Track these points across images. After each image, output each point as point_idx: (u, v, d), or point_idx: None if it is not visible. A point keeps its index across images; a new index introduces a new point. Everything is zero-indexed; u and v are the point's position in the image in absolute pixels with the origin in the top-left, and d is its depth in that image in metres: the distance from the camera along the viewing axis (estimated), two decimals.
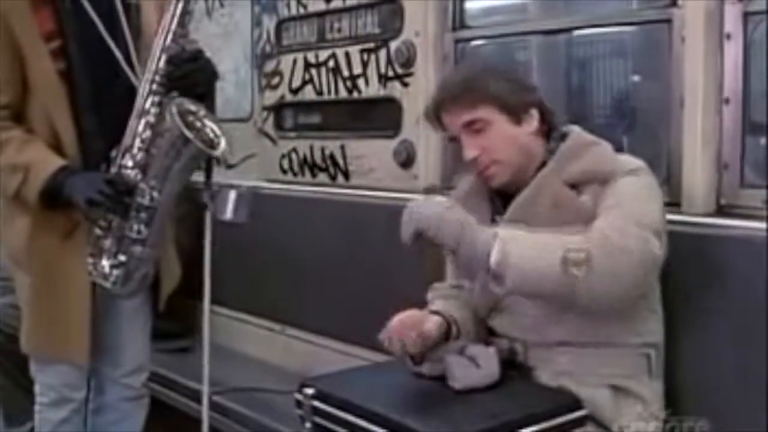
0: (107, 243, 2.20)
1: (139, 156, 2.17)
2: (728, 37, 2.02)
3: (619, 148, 1.98)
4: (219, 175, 2.35)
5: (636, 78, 2.46)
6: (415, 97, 2.74)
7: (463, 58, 2.67)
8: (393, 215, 2.73)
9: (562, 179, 1.89)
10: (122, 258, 2.20)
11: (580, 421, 1.79)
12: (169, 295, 2.44)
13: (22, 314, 2.36)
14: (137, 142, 2.17)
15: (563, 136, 1.96)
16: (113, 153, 2.19)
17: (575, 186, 1.88)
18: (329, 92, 3.07)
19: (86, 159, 2.23)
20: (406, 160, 2.77)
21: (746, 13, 2.00)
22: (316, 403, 1.87)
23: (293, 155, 3.23)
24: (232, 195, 2.29)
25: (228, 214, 2.29)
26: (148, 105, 2.17)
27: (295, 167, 3.22)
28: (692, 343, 1.94)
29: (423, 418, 1.73)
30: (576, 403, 1.80)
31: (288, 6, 3.22)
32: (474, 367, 1.85)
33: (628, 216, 1.78)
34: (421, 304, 2.05)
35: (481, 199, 2.02)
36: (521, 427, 1.71)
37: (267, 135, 3.34)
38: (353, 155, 2.99)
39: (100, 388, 2.46)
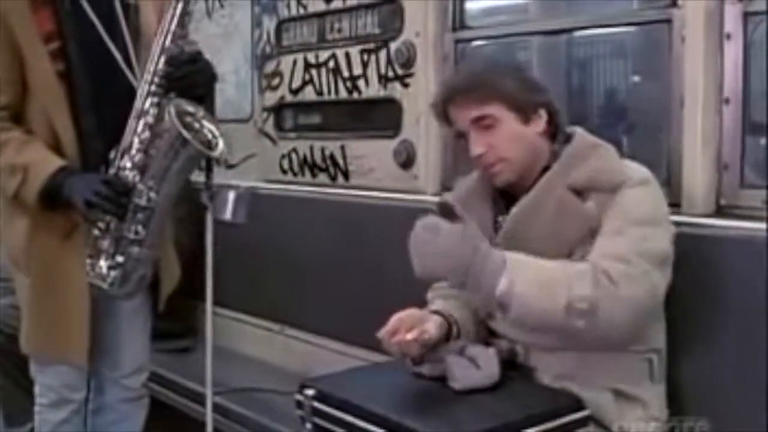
0: (105, 244, 2.20)
1: (138, 157, 2.16)
2: (728, 37, 2.02)
3: (619, 149, 1.98)
4: (219, 176, 2.35)
5: (636, 78, 2.46)
6: (415, 97, 2.74)
7: (464, 58, 2.67)
8: (393, 215, 2.75)
9: (567, 184, 1.87)
10: (120, 259, 2.19)
11: (582, 422, 1.79)
12: (168, 296, 2.44)
13: (21, 315, 2.36)
14: (136, 143, 2.17)
15: (567, 138, 1.95)
16: (112, 154, 2.19)
17: (580, 192, 1.86)
18: (329, 93, 3.07)
19: (85, 159, 2.22)
20: (406, 160, 2.77)
21: (746, 13, 2.00)
22: (317, 404, 1.87)
23: (293, 155, 3.23)
24: (231, 195, 2.29)
25: (227, 214, 2.29)
26: (147, 106, 2.17)
27: (295, 167, 3.22)
28: (692, 343, 1.94)
29: (423, 419, 1.73)
30: (578, 404, 1.80)
31: (288, 6, 3.22)
32: (474, 367, 1.85)
33: (636, 246, 1.76)
34: (421, 304, 2.05)
35: (484, 199, 2.00)
36: (522, 428, 1.70)
37: (267, 135, 3.34)
38: (353, 155, 2.99)
39: (100, 389, 2.46)
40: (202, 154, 2.16)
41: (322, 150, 3.10)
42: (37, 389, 2.41)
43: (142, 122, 2.17)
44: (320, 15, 3.10)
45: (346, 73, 2.99)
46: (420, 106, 2.72)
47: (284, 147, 3.27)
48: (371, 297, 2.65)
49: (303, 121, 3.28)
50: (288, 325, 3.20)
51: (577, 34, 2.47)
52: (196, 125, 2.17)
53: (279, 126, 3.32)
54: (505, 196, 1.98)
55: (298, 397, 1.91)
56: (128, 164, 2.16)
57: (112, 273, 2.21)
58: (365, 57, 2.91)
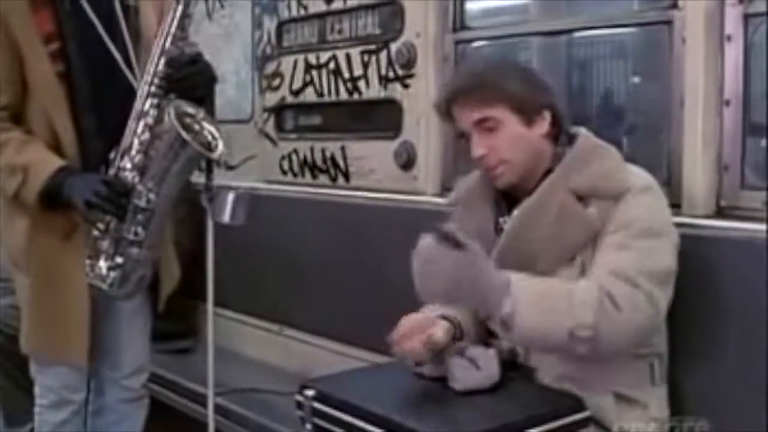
0: (105, 245, 2.20)
1: (138, 158, 2.16)
2: (729, 38, 2.02)
3: (619, 149, 1.98)
4: (219, 177, 2.35)
5: (636, 79, 2.46)
6: (416, 98, 2.74)
7: (464, 59, 2.67)
8: (393, 216, 2.75)
9: (569, 188, 1.86)
10: (119, 260, 2.19)
11: (583, 423, 1.79)
12: (169, 296, 2.44)
13: (21, 315, 2.36)
14: (136, 144, 2.16)
15: (571, 140, 1.93)
16: (112, 155, 2.19)
17: (582, 197, 1.85)
18: (330, 94, 3.07)
19: (85, 160, 2.22)
20: (407, 161, 2.77)
21: (746, 15, 2.00)
22: (317, 405, 1.87)
23: (294, 156, 3.23)
24: (230, 197, 2.29)
25: (225, 216, 2.29)
26: (146, 107, 2.17)
27: (296, 168, 3.22)
28: (693, 344, 1.94)
29: (424, 420, 1.73)
30: (578, 405, 1.79)
31: (288, 7, 3.22)
32: (474, 368, 1.85)
33: (641, 264, 1.76)
34: (421, 304, 2.05)
35: (485, 200, 2.00)
36: (523, 429, 1.70)
37: (267, 136, 3.34)
38: (354, 156, 2.99)
39: (100, 390, 2.46)
40: (201, 155, 2.16)
41: (323, 151, 3.10)
42: (37, 390, 2.41)
43: (142, 123, 2.17)
44: (321, 16, 3.10)
45: (346, 74, 2.99)
46: (420, 107, 2.73)
47: (285, 148, 3.27)
48: (371, 298, 2.66)
49: (303, 122, 3.28)
50: (288, 325, 3.20)
51: (578, 35, 2.47)
52: (196, 127, 2.17)
53: (279, 127, 3.32)
54: (506, 197, 1.98)
55: (299, 397, 1.91)
56: (128, 165, 2.16)
57: (112, 274, 2.20)
58: (366, 58, 2.91)
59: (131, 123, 2.17)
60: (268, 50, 3.32)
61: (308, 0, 3.14)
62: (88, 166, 2.22)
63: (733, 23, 2.01)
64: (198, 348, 3.33)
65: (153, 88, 2.17)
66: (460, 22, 2.69)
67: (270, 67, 3.32)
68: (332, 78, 3.05)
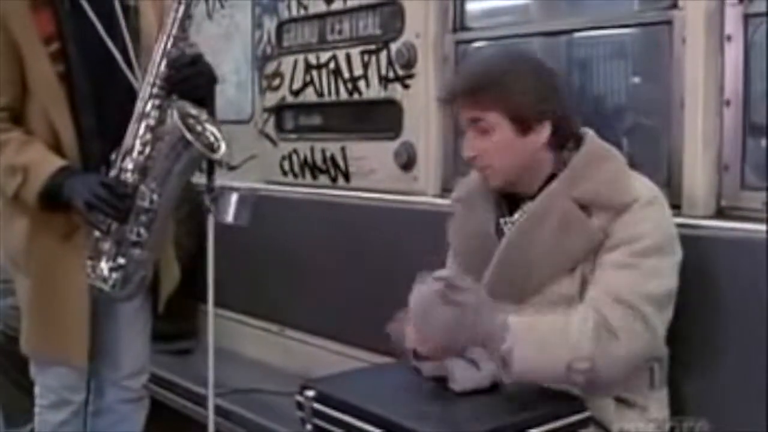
0: (106, 246, 2.20)
1: (139, 159, 2.17)
2: (729, 38, 2.02)
3: (619, 150, 1.97)
4: (220, 177, 2.35)
5: (636, 79, 2.45)
6: (416, 98, 2.74)
7: (464, 59, 2.67)
8: (393, 217, 2.75)
9: (573, 197, 1.83)
10: (121, 261, 2.20)
11: (583, 424, 1.79)
12: (169, 297, 2.44)
13: (21, 316, 2.36)
14: (137, 145, 2.17)
15: (578, 142, 1.90)
16: (113, 156, 2.19)
17: (585, 206, 1.83)
18: (330, 94, 3.07)
19: (86, 160, 2.22)
20: (407, 162, 2.76)
21: (746, 15, 2.00)
22: (317, 405, 1.86)
23: (294, 157, 3.23)
24: (234, 198, 2.29)
25: (229, 216, 2.29)
26: (148, 108, 2.17)
27: (296, 169, 3.22)
28: (693, 344, 1.94)
29: (423, 421, 1.73)
30: (579, 406, 1.79)
31: (289, 7, 3.22)
32: (474, 369, 1.84)
33: (641, 287, 1.76)
34: None
35: (486, 200, 1.99)
36: (522, 430, 1.70)
37: (267, 137, 3.34)
38: (354, 157, 2.99)
39: (100, 390, 2.46)
40: (204, 156, 2.17)
41: (323, 151, 3.10)
42: (37, 390, 2.41)
43: (143, 125, 2.17)
44: (321, 16, 3.10)
45: (346, 74, 2.99)
46: (421, 108, 2.73)
47: (285, 148, 3.27)
48: (372, 298, 2.65)
49: (303, 123, 3.28)
50: (288, 326, 3.20)
51: (578, 35, 2.47)
52: (199, 128, 2.17)
53: (279, 127, 3.32)
54: (507, 197, 1.96)
55: (299, 398, 1.90)
56: (130, 166, 2.17)
57: (114, 275, 2.21)
58: (366, 58, 2.91)
59: (133, 124, 2.18)
60: (268, 50, 3.32)
61: (308, 0, 3.14)
62: (89, 166, 2.22)
63: (733, 23, 2.01)
64: (198, 349, 3.33)
65: (155, 90, 2.17)
66: (460, 23, 2.69)
67: (270, 68, 3.32)
68: (332, 78, 3.05)
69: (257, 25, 3.37)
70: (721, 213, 2.05)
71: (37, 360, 2.39)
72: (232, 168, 3.32)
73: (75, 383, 2.36)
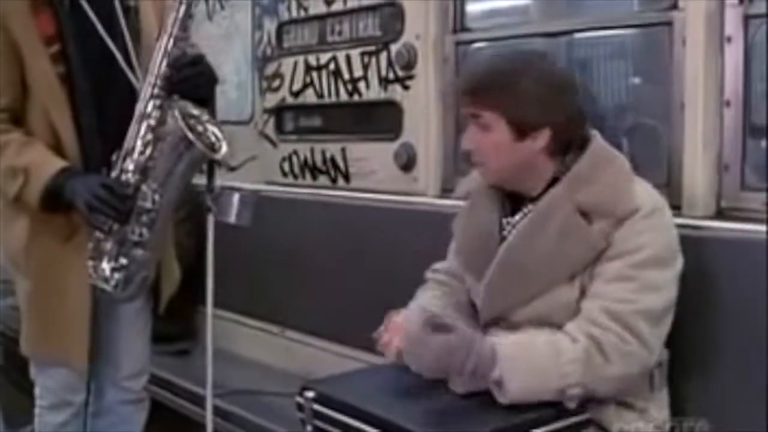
0: (108, 246, 2.20)
1: (141, 159, 2.16)
2: (729, 39, 2.02)
3: (619, 150, 1.98)
4: (219, 178, 2.35)
5: (637, 80, 2.45)
6: (416, 99, 2.75)
7: (464, 60, 2.67)
8: (393, 218, 2.74)
9: (575, 203, 1.82)
10: (123, 261, 2.19)
11: (583, 425, 1.79)
12: (169, 298, 2.44)
13: (21, 316, 2.36)
14: (138, 146, 2.16)
15: (583, 145, 1.89)
16: (114, 156, 2.19)
17: (587, 213, 1.82)
18: (330, 95, 3.07)
19: (87, 161, 2.22)
20: (407, 163, 2.77)
21: (747, 16, 2.00)
22: (317, 406, 1.86)
23: (294, 158, 3.23)
24: (236, 198, 2.29)
25: (231, 217, 2.29)
26: (149, 108, 2.17)
27: (296, 170, 3.22)
28: (693, 345, 1.94)
29: (425, 422, 1.73)
30: (579, 407, 1.79)
31: (289, 9, 3.22)
32: None
33: (638, 303, 1.75)
34: None
35: (490, 198, 1.98)
36: (524, 431, 1.71)
37: (268, 138, 3.34)
38: (354, 158, 2.99)
39: (100, 392, 2.46)
40: (205, 156, 2.17)
41: (323, 152, 3.10)
42: (37, 391, 2.41)
43: (144, 125, 2.17)
44: (321, 17, 3.10)
45: (346, 76, 2.99)
46: (421, 109, 2.73)
47: (285, 149, 3.27)
48: (372, 299, 2.64)
49: (303, 124, 3.28)
50: (288, 327, 3.19)
51: (578, 36, 2.47)
52: (200, 128, 2.17)
53: (279, 128, 3.32)
54: (511, 197, 1.96)
55: (299, 399, 1.90)
56: (131, 167, 2.16)
57: (116, 275, 2.20)
58: (366, 59, 2.91)
59: (134, 125, 2.17)
60: (269, 51, 3.32)
61: (308, 1, 3.14)
62: (90, 167, 2.22)
63: (733, 24, 2.01)
64: (198, 349, 3.32)
65: (156, 90, 2.17)
66: (460, 24, 2.69)
67: (270, 69, 3.32)
68: (332, 79, 3.05)
69: (257, 26, 3.37)
70: (721, 214, 2.05)
71: (37, 361, 2.39)
72: (232, 169, 3.32)
73: (75, 384, 2.35)
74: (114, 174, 2.18)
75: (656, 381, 1.88)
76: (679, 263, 1.83)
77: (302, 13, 3.18)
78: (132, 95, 2.21)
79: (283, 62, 3.26)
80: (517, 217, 1.93)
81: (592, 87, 2.48)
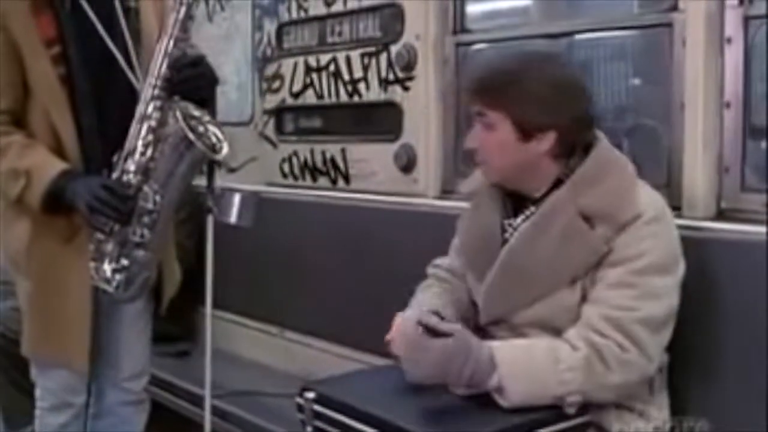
0: (109, 247, 2.20)
1: (142, 160, 2.16)
2: (729, 40, 2.02)
3: (619, 150, 1.98)
4: (219, 179, 2.35)
5: (637, 81, 2.46)
6: (416, 100, 2.75)
7: (465, 61, 2.67)
8: (393, 219, 2.74)
9: (578, 206, 1.82)
10: (125, 262, 2.19)
11: (583, 427, 1.79)
12: (170, 299, 2.44)
13: (22, 318, 2.36)
14: (139, 147, 2.16)
15: (588, 148, 1.88)
16: (115, 157, 2.19)
17: (589, 217, 1.81)
18: (330, 96, 3.08)
19: (88, 162, 2.22)
20: (407, 164, 2.77)
21: (747, 17, 2.00)
22: (317, 407, 1.87)
23: (294, 159, 3.23)
24: (237, 198, 2.29)
25: (233, 217, 2.29)
26: (150, 109, 2.17)
27: (296, 171, 3.22)
28: (693, 346, 1.94)
29: (425, 423, 1.73)
30: (579, 409, 1.79)
31: (289, 10, 3.22)
32: None
33: (638, 311, 1.75)
34: None
35: (492, 199, 1.98)
36: None
37: (268, 139, 3.35)
38: (354, 159, 2.99)
39: (101, 393, 2.46)
40: (206, 157, 2.17)
41: (323, 153, 3.10)
42: (37, 392, 2.41)
43: (145, 126, 2.17)
44: (321, 18, 3.10)
45: (346, 77, 2.99)
46: (421, 109, 2.73)
47: (285, 150, 3.27)
48: (372, 300, 2.65)
49: (304, 125, 3.28)
50: (288, 328, 3.20)
51: (578, 37, 2.47)
52: (201, 129, 2.17)
53: (279, 129, 3.32)
54: (513, 197, 1.96)
55: (299, 400, 1.90)
56: (132, 168, 2.16)
57: (117, 276, 2.20)
58: (366, 60, 2.91)
59: (134, 126, 2.17)
60: (269, 52, 3.32)
61: (308, 2, 3.14)
62: (91, 168, 2.22)
63: (733, 25, 2.02)
64: (198, 350, 3.32)
65: (156, 91, 2.17)
66: (460, 25, 2.69)
67: (270, 70, 3.32)
68: (332, 80, 3.05)
69: (257, 27, 3.37)
70: (721, 215, 2.05)
71: (37, 362, 2.39)
72: (231, 170, 3.32)
73: (76, 385, 2.35)
74: (115, 175, 2.18)
75: (656, 384, 1.89)
76: (680, 270, 1.83)
77: (302, 14, 3.18)
78: (132, 96, 2.22)
79: (283, 63, 3.26)
80: (519, 219, 1.93)
81: (592, 88, 2.48)
